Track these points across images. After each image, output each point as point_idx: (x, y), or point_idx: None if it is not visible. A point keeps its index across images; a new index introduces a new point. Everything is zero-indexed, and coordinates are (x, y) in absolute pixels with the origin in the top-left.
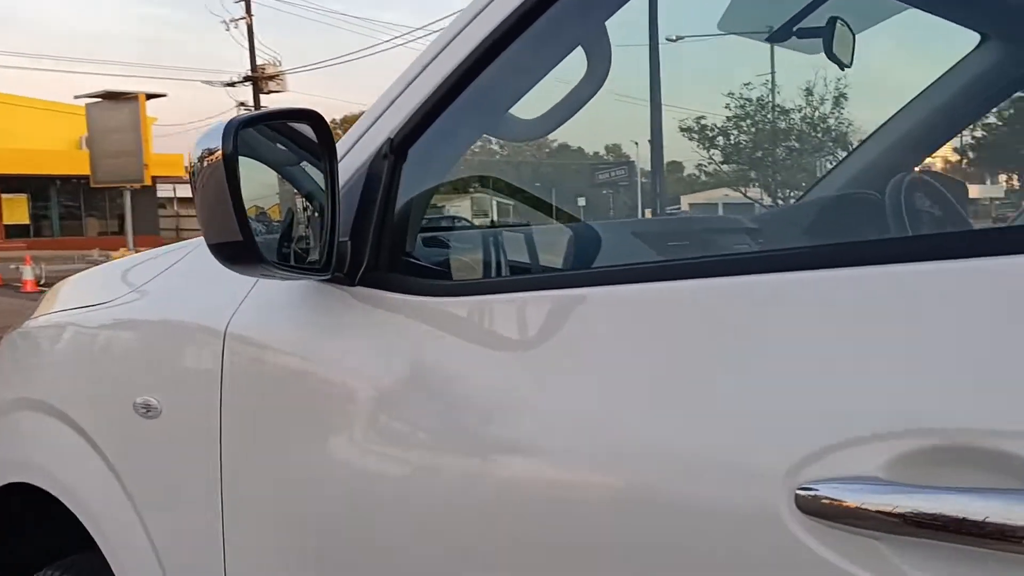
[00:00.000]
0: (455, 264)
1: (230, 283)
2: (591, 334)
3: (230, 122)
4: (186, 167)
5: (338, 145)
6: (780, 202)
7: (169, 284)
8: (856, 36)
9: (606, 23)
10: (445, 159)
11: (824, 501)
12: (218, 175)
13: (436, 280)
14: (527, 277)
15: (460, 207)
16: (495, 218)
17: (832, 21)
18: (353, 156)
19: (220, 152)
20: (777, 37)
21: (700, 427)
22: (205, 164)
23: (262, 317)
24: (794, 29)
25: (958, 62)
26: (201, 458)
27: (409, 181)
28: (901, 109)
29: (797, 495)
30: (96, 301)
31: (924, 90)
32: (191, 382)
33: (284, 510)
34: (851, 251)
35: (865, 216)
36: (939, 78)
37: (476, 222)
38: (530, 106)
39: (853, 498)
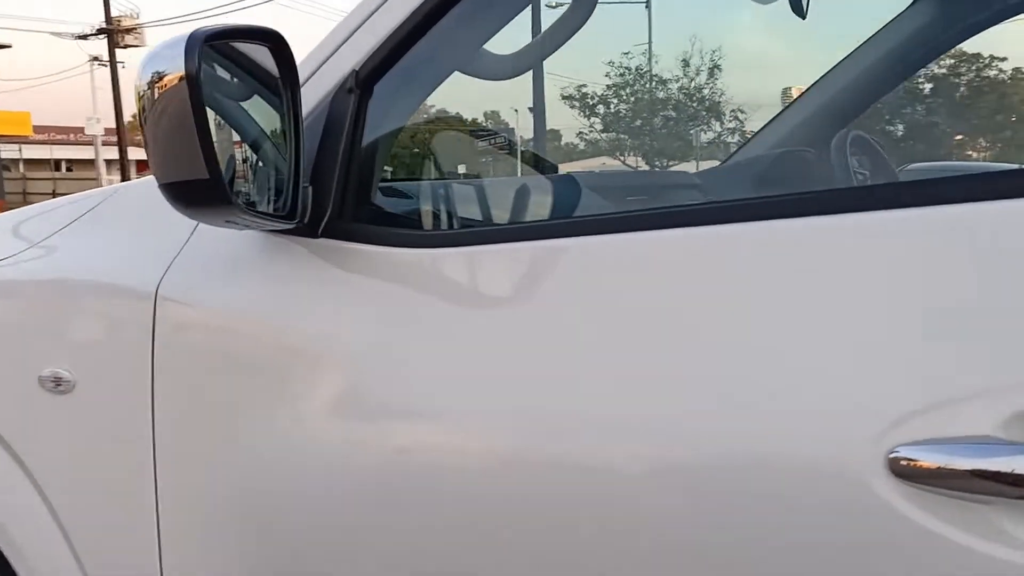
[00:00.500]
0: (426, 213)
1: (157, 235)
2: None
3: (192, 35)
4: (138, 93)
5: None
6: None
7: (78, 239)
8: None
9: None
10: (414, 96)
11: (907, 463)
12: (179, 99)
13: (408, 230)
14: (506, 227)
15: (427, 151)
16: (464, 166)
17: None
18: (311, 89)
19: (181, 73)
20: None
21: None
22: (158, 89)
23: (203, 275)
24: None
25: (892, 20)
26: (128, 438)
27: (375, 119)
28: (834, 67)
29: (889, 459)
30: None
31: (856, 49)
32: (114, 350)
33: (233, 498)
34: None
35: (808, 171)
36: (871, 36)
37: (446, 167)
38: (507, 41)
39: (947, 460)
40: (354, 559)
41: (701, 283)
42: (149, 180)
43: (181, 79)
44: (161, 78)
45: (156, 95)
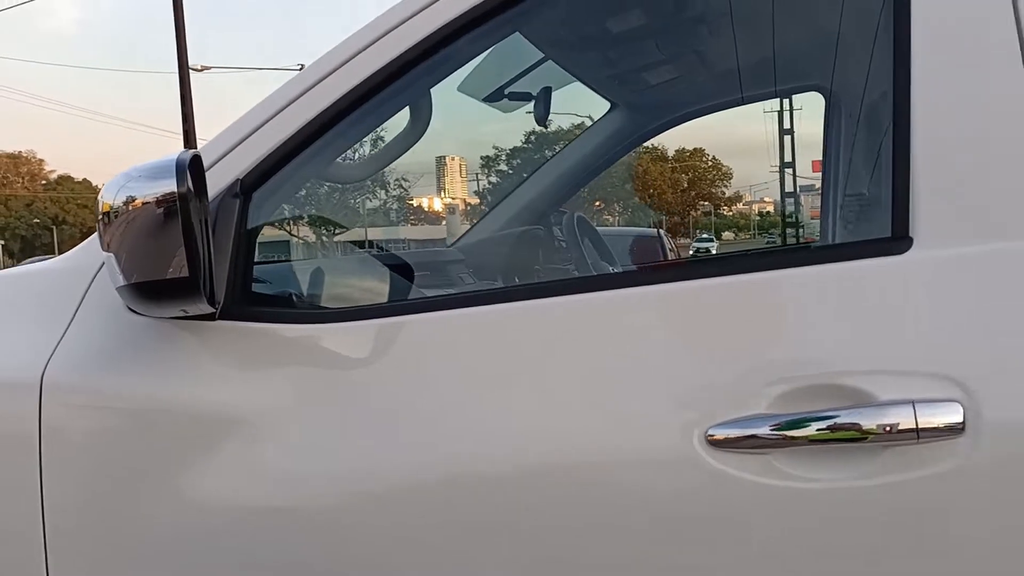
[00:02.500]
0: (324, 292)
1: (38, 321)
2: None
3: (179, 162)
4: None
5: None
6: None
7: None
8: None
9: (431, 89)
10: (283, 198)
11: (722, 439)
12: (166, 214)
13: (287, 310)
14: (384, 302)
15: (301, 241)
16: (337, 250)
17: (544, 90)
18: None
19: (171, 190)
20: (492, 98)
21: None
22: (145, 205)
23: (97, 358)
24: (506, 92)
25: (594, 123)
26: (16, 521)
27: (254, 218)
28: (549, 160)
29: (709, 435)
30: None
31: (566, 146)
32: None
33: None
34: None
35: (553, 245)
36: (576, 138)
37: (319, 254)
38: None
39: (738, 432)
40: None
41: (524, 346)
42: (21, 270)
43: (169, 196)
44: (134, 199)
45: (137, 210)
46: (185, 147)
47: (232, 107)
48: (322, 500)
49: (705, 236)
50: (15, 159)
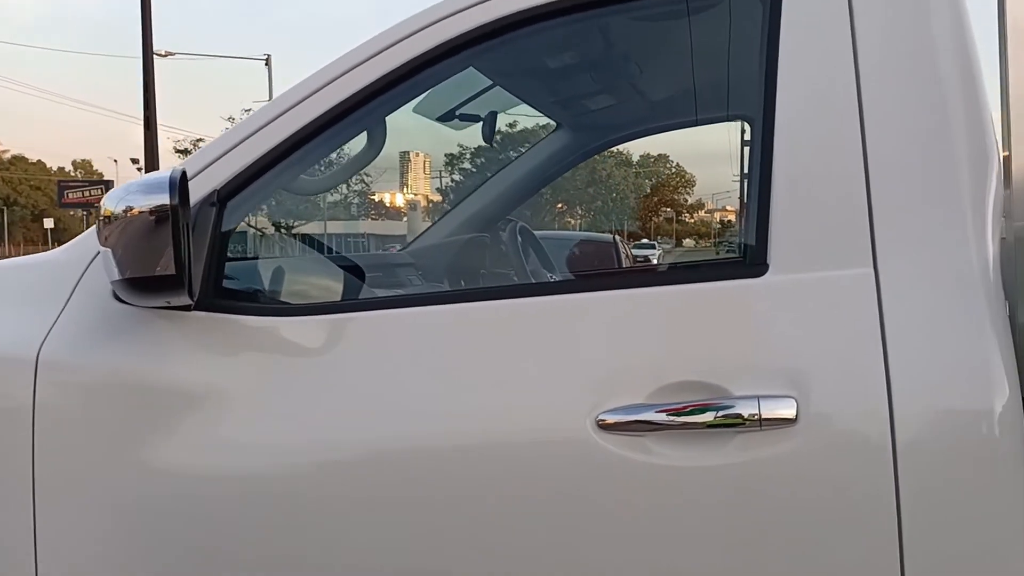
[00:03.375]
0: (283, 288)
1: (32, 306)
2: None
3: (172, 179)
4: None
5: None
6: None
7: None
8: (495, 119)
9: (386, 118)
10: (251, 206)
11: (612, 423)
12: (155, 222)
13: (254, 301)
14: (338, 300)
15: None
16: (301, 251)
17: (491, 114)
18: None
19: (165, 201)
20: (445, 118)
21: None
22: (134, 214)
23: (87, 342)
24: (457, 113)
25: (541, 140)
26: (8, 482)
27: (227, 223)
28: (497, 173)
29: (599, 420)
30: None
31: (513, 160)
32: None
33: (107, 533)
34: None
35: (495, 252)
36: (526, 151)
37: (284, 255)
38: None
39: (621, 417)
40: (217, 548)
41: (463, 339)
42: (16, 262)
43: (162, 208)
44: (132, 208)
45: (134, 216)
46: (145, 132)
47: (195, 94)
48: (275, 468)
49: (646, 242)
50: None
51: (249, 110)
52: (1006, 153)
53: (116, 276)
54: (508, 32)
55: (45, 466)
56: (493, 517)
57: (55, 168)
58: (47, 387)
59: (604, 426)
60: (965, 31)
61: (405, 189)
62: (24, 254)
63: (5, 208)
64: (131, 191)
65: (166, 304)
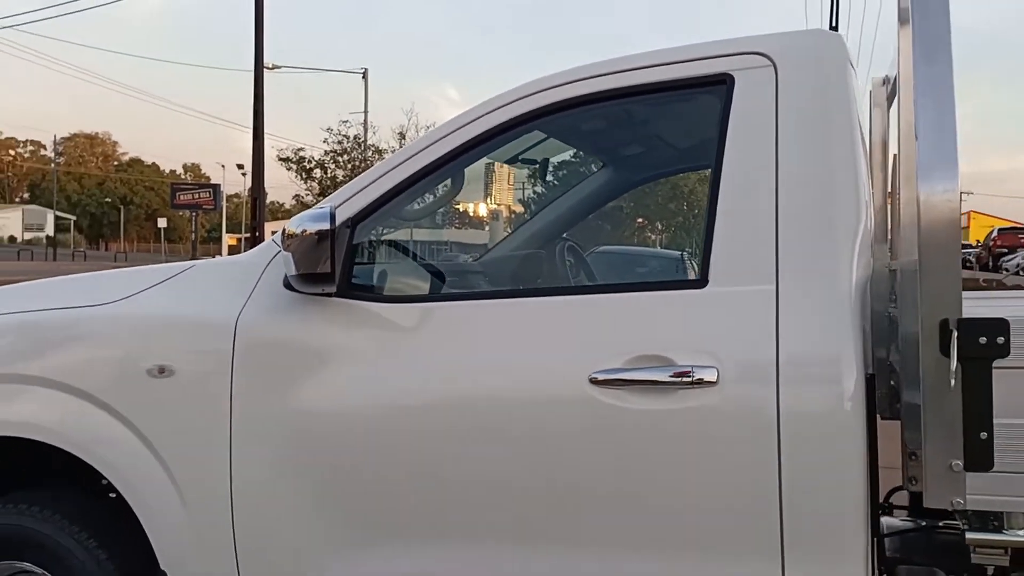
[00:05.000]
0: (388, 284)
1: (232, 289)
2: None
3: (331, 212)
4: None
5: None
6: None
7: (176, 289)
8: (548, 164)
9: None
10: (372, 227)
11: (602, 380)
12: (318, 239)
13: (372, 292)
14: (427, 293)
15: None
16: (404, 256)
17: (543, 160)
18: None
19: (326, 227)
20: (508, 160)
21: (541, 361)
22: (307, 234)
23: (267, 312)
24: (519, 157)
25: (590, 176)
26: (213, 407)
27: (357, 238)
28: (555, 201)
29: (592, 377)
30: (99, 301)
31: (567, 191)
32: (208, 353)
33: (279, 448)
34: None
35: (544, 264)
36: (578, 184)
37: (397, 261)
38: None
39: (605, 376)
40: (344, 465)
41: (507, 323)
42: (221, 259)
43: (324, 231)
44: (308, 229)
45: (307, 235)
46: (254, 141)
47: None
48: (382, 407)
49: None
50: (91, 139)
51: (346, 121)
52: (889, 202)
53: (292, 272)
54: (562, 111)
55: (236, 397)
56: (526, 435)
57: (167, 171)
58: (241, 342)
59: (595, 382)
60: (851, 129)
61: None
62: (137, 251)
63: (122, 207)
64: (305, 219)
65: (320, 292)
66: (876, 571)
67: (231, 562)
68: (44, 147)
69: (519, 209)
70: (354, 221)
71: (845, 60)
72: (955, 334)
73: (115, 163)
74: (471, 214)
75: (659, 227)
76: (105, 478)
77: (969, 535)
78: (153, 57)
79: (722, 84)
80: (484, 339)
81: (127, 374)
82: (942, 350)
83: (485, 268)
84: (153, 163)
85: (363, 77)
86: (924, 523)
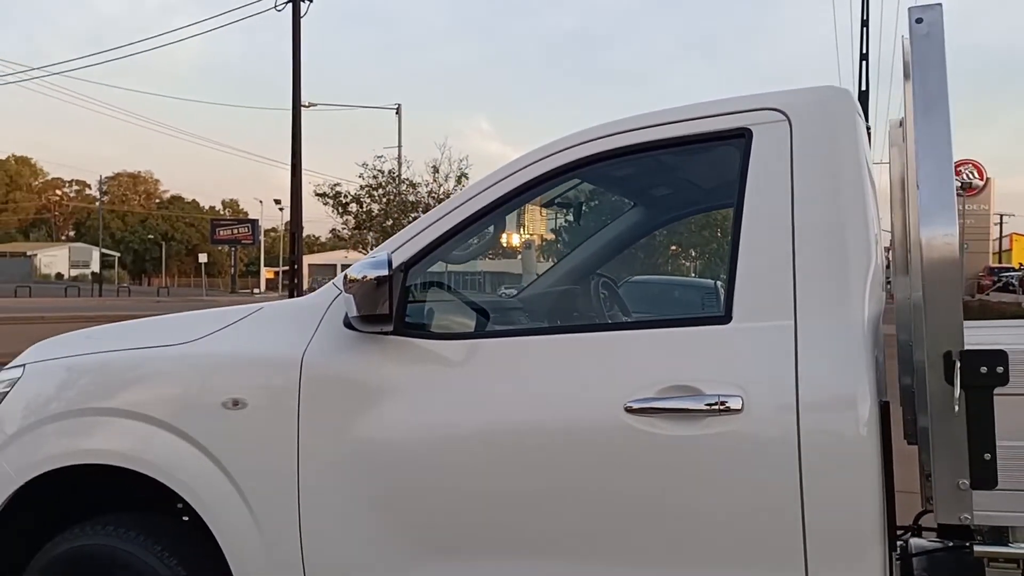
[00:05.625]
0: (438, 322)
1: (297, 329)
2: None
3: (389, 260)
4: (355, 277)
5: (383, 249)
6: None
7: (247, 329)
8: (582, 206)
9: (507, 218)
10: (422, 270)
11: (636, 408)
12: (377, 283)
13: (423, 330)
14: (472, 330)
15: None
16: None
17: (577, 203)
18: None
19: (383, 274)
20: (544, 204)
21: (582, 390)
22: (367, 279)
23: (329, 350)
24: (555, 200)
25: (622, 215)
26: (282, 436)
27: (409, 281)
28: (589, 238)
29: (627, 406)
30: (179, 340)
31: (600, 229)
32: (277, 387)
33: (341, 474)
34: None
35: (580, 299)
36: (610, 223)
37: (445, 300)
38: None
39: (640, 404)
40: (424, 503)
41: (548, 357)
42: (286, 301)
43: (383, 276)
44: (368, 275)
45: (367, 280)
46: (292, 178)
47: (332, 140)
48: (435, 436)
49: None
50: (134, 178)
51: (381, 156)
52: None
53: (354, 313)
54: (599, 162)
55: (303, 427)
56: (567, 459)
57: (207, 207)
58: (307, 377)
59: (630, 410)
60: (860, 175)
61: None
62: (178, 285)
63: (163, 243)
64: (365, 267)
65: (378, 331)
66: None
67: (298, 574)
68: (89, 186)
69: (553, 244)
70: (407, 265)
71: (853, 112)
72: (958, 364)
73: (156, 200)
74: (503, 244)
75: (693, 255)
76: (180, 502)
77: (977, 548)
78: (193, 99)
79: (741, 137)
80: (527, 372)
81: (204, 407)
82: (947, 379)
83: (525, 304)
84: (193, 200)
85: (396, 112)
86: (951, 544)
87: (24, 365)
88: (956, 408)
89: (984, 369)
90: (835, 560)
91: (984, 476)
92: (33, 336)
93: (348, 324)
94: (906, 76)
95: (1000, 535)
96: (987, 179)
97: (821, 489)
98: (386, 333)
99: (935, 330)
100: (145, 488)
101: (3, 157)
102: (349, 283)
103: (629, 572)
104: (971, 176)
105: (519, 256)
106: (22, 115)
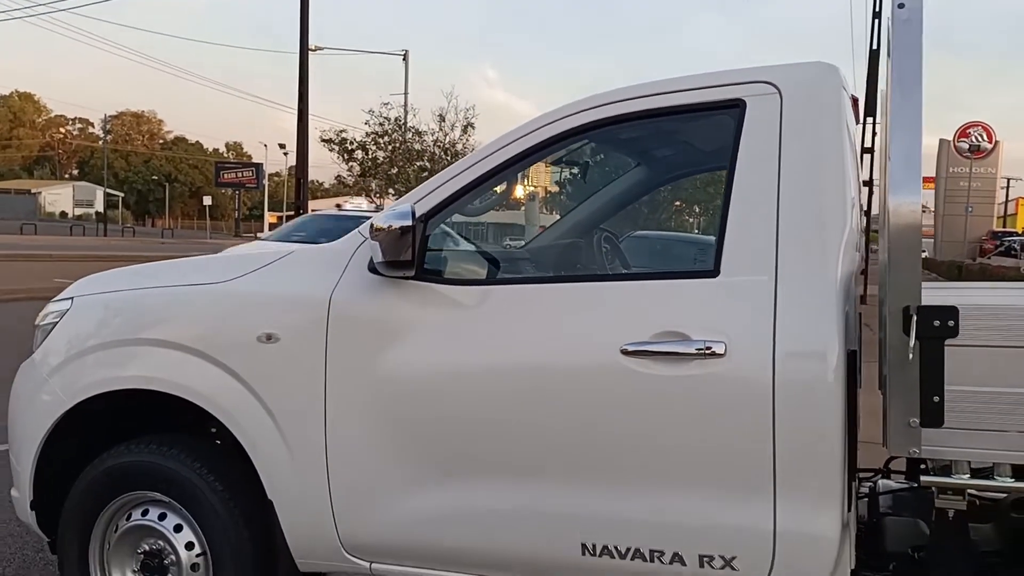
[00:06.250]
0: (450, 270)
1: (325, 271)
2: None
3: (412, 211)
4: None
5: (407, 201)
6: None
7: (280, 270)
8: (588, 165)
9: (519, 175)
10: (440, 221)
11: (631, 351)
12: (401, 232)
13: (440, 276)
14: (484, 277)
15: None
16: (466, 246)
17: (584, 162)
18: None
19: (408, 223)
20: (555, 163)
21: (579, 332)
22: (392, 228)
23: (355, 291)
24: (563, 159)
25: (625, 174)
26: (311, 368)
27: (428, 230)
28: (593, 195)
29: (623, 348)
30: (218, 278)
31: (606, 185)
32: (307, 324)
33: (364, 403)
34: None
35: (583, 251)
36: (615, 180)
37: (460, 249)
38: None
39: (636, 347)
40: (436, 430)
41: (552, 303)
42: (315, 246)
43: (406, 226)
44: (393, 225)
45: (392, 229)
46: (298, 123)
47: (338, 86)
48: (448, 372)
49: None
50: (138, 117)
51: (387, 103)
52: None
53: (379, 259)
54: (607, 126)
55: (330, 359)
56: (568, 395)
57: (210, 149)
58: (334, 315)
59: (625, 352)
60: (841, 145)
61: (520, 190)
62: (182, 227)
63: (167, 184)
64: (390, 216)
65: (400, 275)
66: (868, 522)
67: (324, 492)
68: (92, 124)
69: (557, 197)
70: (427, 216)
71: (839, 87)
72: (915, 318)
73: (160, 141)
74: (508, 197)
75: (696, 211)
76: (214, 426)
77: (923, 478)
78: (197, 39)
79: (736, 107)
80: (533, 316)
81: (241, 340)
82: (904, 330)
83: (532, 255)
84: (197, 141)
85: (403, 59)
86: (914, 484)
87: (72, 298)
88: (911, 356)
89: (937, 323)
90: (800, 486)
91: (933, 416)
92: (44, 273)
93: (372, 268)
94: (888, 55)
95: (946, 470)
96: (996, 142)
97: (791, 426)
98: (407, 278)
99: (896, 287)
100: (181, 415)
101: (6, 93)
102: (375, 231)
103: (622, 492)
104: (980, 138)
105: (522, 208)
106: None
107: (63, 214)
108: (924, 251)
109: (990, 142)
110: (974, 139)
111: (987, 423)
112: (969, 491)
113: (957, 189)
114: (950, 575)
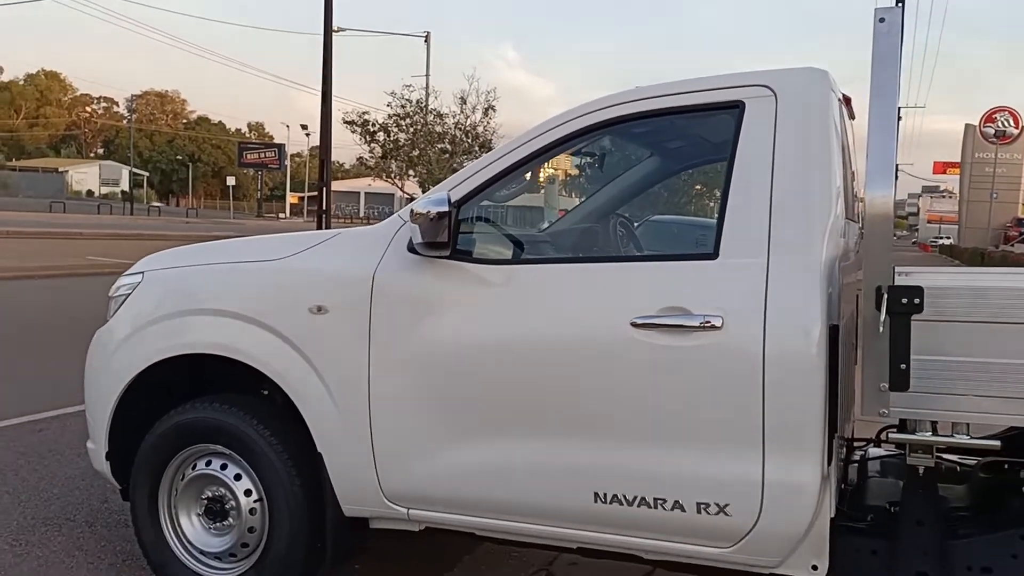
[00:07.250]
0: (480, 251)
1: (370, 251)
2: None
3: (448, 198)
4: (414, 211)
5: (442, 189)
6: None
7: (329, 249)
8: (605, 156)
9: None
10: (472, 207)
11: (640, 324)
12: (438, 217)
13: (478, 257)
14: (510, 258)
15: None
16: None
17: (601, 153)
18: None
19: (443, 209)
20: (575, 155)
21: (597, 308)
22: (430, 213)
23: (395, 269)
24: (581, 150)
25: (640, 162)
26: (356, 336)
27: (461, 215)
28: (610, 183)
29: (632, 322)
30: (273, 256)
31: (621, 175)
32: (353, 297)
33: (402, 368)
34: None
35: (600, 235)
36: (629, 170)
37: (490, 232)
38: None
39: (644, 320)
40: (468, 393)
41: (570, 282)
42: (359, 229)
43: (443, 212)
44: (432, 210)
45: (430, 213)
46: (322, 104)
47: (361, 67)
48: (479, 343)
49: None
50: (162, 97)
51: (409, 85)
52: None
53: (419, 240)
54: (624, 123)
55: (373, 329)
56: (585, 363)
57: (233, 129)
58: (377, 289)
59: (635, 325)
60: (828, 143)
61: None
62: (204, 207)
63: (190, 164)
64: (428, 203)
65: (437, 255)
66: (857, 484)
67: (368, 447)
68: (117, 104)
69: (576, 182)
70: (460, 203)
71: (828, 90)
72: (885, 296)
73: (183, 121)
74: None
75: (705, 199)
76: (266, 388)
77: (892, 435)
78: (220, 19)
79: (736, 108)
80: (554, 293)
81: (295, 311)
82: (876, 306)
83: (553, 238)
84: (219, 122)
85: (425, 41)
86: (899, 452)
87: (143, 272)
88: (881, 329)
89: (904, 300)
90: (786, 443)
91: (899, 381)
92: (78, 251)
93: (411, 249)
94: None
95: (913, 430)
96: (1022, 127)
97: (779, 390)
98: (443, 257)
99: (870, 268)
100: (237, 379)
101: (33, 72)
102: (415, 216)
103: (630, 448)
104: (1006, 124)
105: (542, 191)
106: (51, 31)
107: (89, 193)
108: (948, 238)
109: (1016, 127)
110: (1000, 124)
111: (947, 388)
112: (946, 456)
113: (982, 175)
114: (918, 523)
